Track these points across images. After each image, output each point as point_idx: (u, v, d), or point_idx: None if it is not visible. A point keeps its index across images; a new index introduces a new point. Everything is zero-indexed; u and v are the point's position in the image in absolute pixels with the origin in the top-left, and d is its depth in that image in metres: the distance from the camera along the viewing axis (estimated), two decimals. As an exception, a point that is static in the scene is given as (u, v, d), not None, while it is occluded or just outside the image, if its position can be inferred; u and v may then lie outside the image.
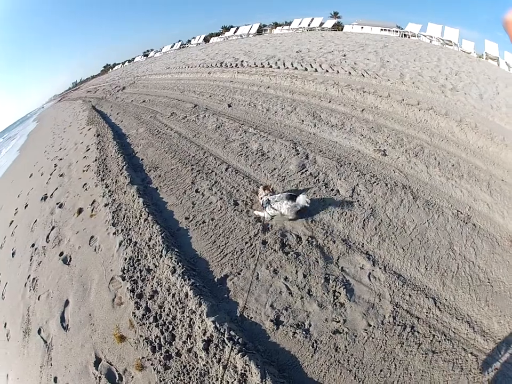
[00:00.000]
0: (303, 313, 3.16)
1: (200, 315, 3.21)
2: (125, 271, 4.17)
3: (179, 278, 3.65)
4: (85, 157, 9.11)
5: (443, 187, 4.89)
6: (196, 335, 3.11)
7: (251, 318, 3.24)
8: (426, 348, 2.74)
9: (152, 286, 3.83)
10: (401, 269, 3.51)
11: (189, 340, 3.12)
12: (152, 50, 49.91)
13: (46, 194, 8.18)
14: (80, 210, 6.26)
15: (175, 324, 3.32)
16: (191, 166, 6.45)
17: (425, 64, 11.44)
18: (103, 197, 6.19)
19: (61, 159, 10.65)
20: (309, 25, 26.07)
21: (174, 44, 41.38)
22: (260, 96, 10.07)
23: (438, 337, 2.81)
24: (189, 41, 41.87)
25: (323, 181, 5.17)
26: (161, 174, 6.51)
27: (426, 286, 3.30)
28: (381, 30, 22.77)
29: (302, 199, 4.07)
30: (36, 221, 7.14)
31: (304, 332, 2.98)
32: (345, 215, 4.41)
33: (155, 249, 4.29)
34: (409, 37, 20.79)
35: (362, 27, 24.09)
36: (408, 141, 6.25)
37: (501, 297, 3.19)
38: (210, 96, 11.48)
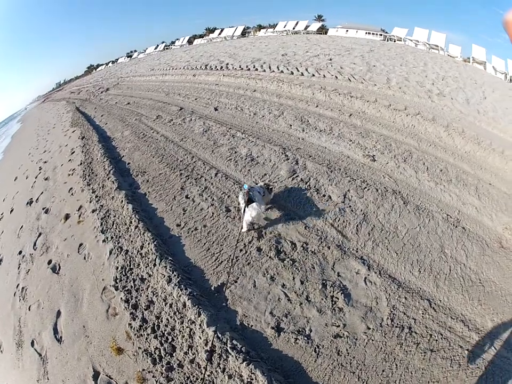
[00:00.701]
0: (303, 319, 3.17)
1: (200, 325, 3.15)
2: (117, 281, 4.06)
3: (175, 288, 3.57)
4: (70, 160, 8.89)
5: (432, 192, 5.00)
6: (197, 346, 3.06)
7: (252, 326, 3.21)
8: (425, 347, 2.82)
9: (147, 296, 3.74)
10: (395, 273, 3.59)
11: (190, 350, 3.06)
12: (135, 51, 49.49)
13: (32, 198, 7.97)
14: (67, 216, 6.10)
15: (175, 335, 3.25)
16: (180, 171, 6.37)
17: (411, 69, 11.65)
18: (90, 202, 6.04)
19: (45, 162, 10.41)
20: (294, 28, 26.23)
21: (158, 45, 41.14)
22: (247, 100, 10.06)
23: (435, 336, 2.90)
24: (173, 42, 41.50)
25: (314, 187, 5.18)
26: (149, 179, 6.40)
27: (420, 288, 3.39)
28: (366, 33, 23.05)
29: (249, 215, 4.06)
30: (22, 226, 6.95)
31: (305, 338, 3.00)
32: (338, 220, 4.44)
33: (148, 258, 4.19)
34: (394, 41, 21.05)
35: (347, 30, 24.34)
36: (397, 146, 6.34)
37: (492, 297, 3.32)
38: (196, 99, 11.41)
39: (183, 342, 3.14)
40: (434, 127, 6.92)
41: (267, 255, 3.98)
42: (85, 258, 4.82)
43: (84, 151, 8.84)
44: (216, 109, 9.86)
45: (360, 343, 2.90)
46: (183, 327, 3.26)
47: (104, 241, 4.87)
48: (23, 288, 5.04)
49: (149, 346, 3.22)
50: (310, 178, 5.43)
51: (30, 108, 57.79)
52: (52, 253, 5.38)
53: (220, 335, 2.98)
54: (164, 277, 3.78)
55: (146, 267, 4.09)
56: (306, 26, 26.00)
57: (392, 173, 5.50)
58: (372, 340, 2.91)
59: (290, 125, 7.74)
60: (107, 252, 4.63)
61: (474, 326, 3.01)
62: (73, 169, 8.00)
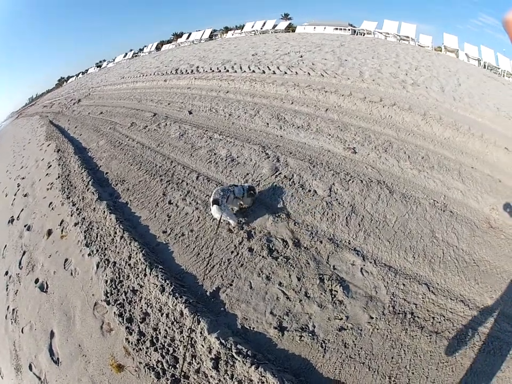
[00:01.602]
0: (304, 315, 3.14)
1: (201, 333, 3.06)
2: (108, 295, 3.91)
3: (170, 297, 3.46)
4: (47, 174, 8.60)
5: (416, 179, 5.06)
6: (201, 354, 2.97)
7: (253, 328, 3.15)
8: (429, 330, 2.86)
9: (141, 308, 3.61)
10: (390, 261, 3.62)
11: (194, 360, 2.97)
12: (105, 61, 48.75)
13: (13, 216, 7.70)
14: (49, 232, 5.87)
15: (176, 346, 3.15)
16: (160, 176, 6.23)
17: (383, 61, 11.80)
18: (71, 216, 5.83)
19: (23, 178, 10.08)
20: (262, 28, 26.27)
21: (126, 53, 40.74)
22: (221, 101, 9.95)
23: (437, 319, 2.95)
24: (141, 49, 41.01)
25: (299, 183, 5.15)
26: (129, 187, 6.24)
27: (417, 274, 3.44)
28: (335, 29, 23.24)
29: (213, 212, 4.07)
30: (5, 246, 6.70)
31: (310, 334, 2.97)
32: (327, 214, 4.43)
33: (137, 268, 4.06)
34: (364, 35, 21.28)
35: (314, 27, 24.51)
36: (376, 137, 6.38)
37: (488, 275, 3.41)
38: (169, 103, 11.24)
39: (185, 352, 3.05)
40: (412, 116, 6.97)
41: (260, 255, 3.92)
42: (71, 274, 4.64)
43: (61, 163, 8.55)
44: (190, 112, 9.73)
45: (366, 333, 2.91)
46: (183, 336, 3.17)
47: (89, 254, 4.69)
48: (13, 310, 4.83)
49: (150, 360, 3.12)
50: (293, 174, 5.39)
51: (4, 125, 55.88)
52: (38, 271, 5.17)
53: (223, 341, 2.91)
54: (157, 286, 3.66)
55: (136, 278, 3.96)
56: (274, 26, 26.11)
57: (375, 163, 5.53)
58: (377, 329, 2.92)
59: (267, 123, 7.69)
60: (94, 266, 4.47)
61: (474, 304, 3.08)
62: (52, 183, 7.74)
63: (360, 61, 11.68)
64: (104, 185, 6.61)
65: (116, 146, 8.55)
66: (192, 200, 5.27)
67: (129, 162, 7.29)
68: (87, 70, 51.04)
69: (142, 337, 3.33)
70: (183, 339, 3.14)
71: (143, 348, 3.23)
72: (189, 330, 3.14)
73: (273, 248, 3.99)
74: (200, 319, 3.14)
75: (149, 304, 3.61)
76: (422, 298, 3.16)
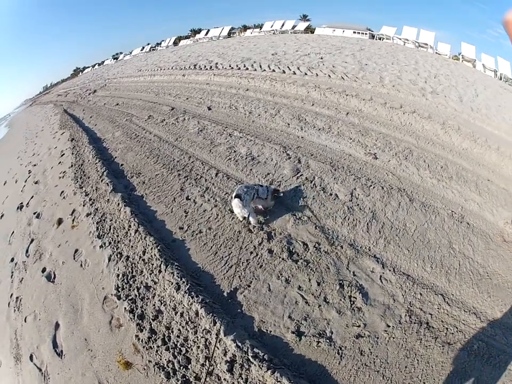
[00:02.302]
0: (323, 321, 3.07)
1: (216, 334, 2.94)
2: (119, 289, 3.78)
3: (186, 296, 3.33)
4: (60, 162, 8.54)
5: (435, 189, 4.97)
6: (215, 356, 2.86)
7: (270, 331, 3.07)
8: (442, 340, 2.84)
9: (154, 305, 3.48)
10: (409, 270, 3.57)
11: (207, 362, 2.85)
12: (121, 53, 48.76)
13: (22, 203, 7.61)
14: (59, 221, 5.76)
15: (189, 346, 3.02)
16: (177, 171, 6.12)
17: (403, 67, 11.64)
18: (83, 206, 5.73)
19: (35, 165, 10.04)
20: (281, 28, 26.10)
21: (144, 47, 40.73)
22: (240, 99, 9.85)
23: (451, 329, 2.93)
24: (158, 44, 41.04)
25: (320, 185, 5.04)
26: (145, 181, 6.13)
27: (434, 284, 3.39)
28: (354, 32, 23.03)
29: (234, 205, 4.04)
30: (13, 232, 6.60)
31: (327, 340, 2.91)
32: (348, 219, 4.34)
33: (152, 264, 3.93)
34: (382, 40, 21.10)
35: (333, 30, 24.30)
36: (396, 144, 6.26)
37: (500, 289, 3.38)
38: (187, 98, 11.15)
39: (198, 353, 2.94)
40: (431, 124, 6.86)
41: (279, 257, 3.81)
42: (81, 265, 4.52)
43: (74, 153, 8.48)
44: (209, 108, 9.62)
45: (382, 341, 2.87)
46: (197, 337, 3.05)
47: (101, 247, 4.58)
48: (17, 298, 4.71)
49: (161, 359, 3.00)
50: (314, 177, 5.27)
51: (18, 112, 56.46)
52: (45, 260, 5.06)
53: (239, 344, 2.82)
54: (172, 284, 3.53)
55: (150, 274, 3.82)
56: (294, 26, 25.93)
57: (395, 170, 5.43)
58: (393, 338, 2.89)
59: (288, 124, 7.57)
60: (105, 259, 4.34)
61: (485, 317, 3.06)
62: (64, 171, 7.66)
63: (380, 66, 11.56)
64: (119, 177, 6.51)
65: (132, 138, 8.47)
66: (211, 197, 5.14)
67: (146, 155, 7.19)
68: (103, 62, 51.27)
69: (153, 335, 3.20)
70: (197, 340, 3.02)
71: (153, 346, 3.11)
72: (204, 331, 3.01)
73: (293, 251, 3.88)
74: (217, 320, 3.03)
75: (162, 301, 3.48)
76: (438, 308, 3.13)
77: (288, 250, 3.87)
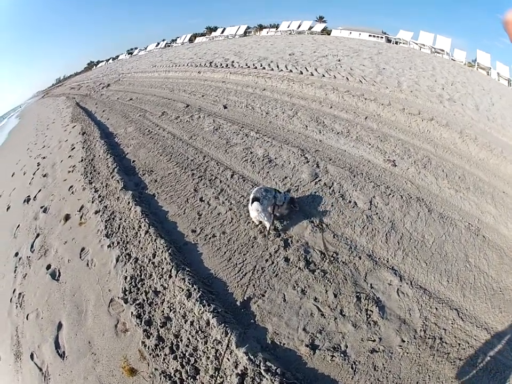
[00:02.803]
0: (338, 335, 2.96)
1: (228, 345, 2.80)
2: (126, 293, 3.63)
3: (197, 304, 3.17)
4: (70, 156, 8.42)
5: (453, 199, 4.85)
6: (225, 368, 2.73)
7: (284, 344, 2.94)
8: (454, 356, 2.78)
9: (162, 311, 3.32)
10: (426, 283, 3.46)
11: (217, 374, 2.70)
12: (136, 48, 48.90)
13: (29, 196, 7.50)
14: (67, 217, 5.63)
15: (198, 356, 2.88)
16: (191, 170, 5.96)
17: (421, 73, 11.52)
18: (92, 202, 5.60)
19: (44, 158, 9.93)
20: (298, 28, 25.91)
21: (159, 42, 40.77)
22: (257, 99, 9.70)
23: (463, 345, 2.86)
24: (174, 40, 41.10)
25: (339, 192, 4.87)
26: (157, 179, 5.98)
27: (449, 298, 3.30)
28: (369, 36, 22.79)
29: (253, 208, 3.94)
30: (18, 226, 6.49)
31: (342, 355, 2.81)
32: (367, 229, 4.19)
33: (162, 268, 3.77)
34: (397, 44, 20.88)
35: (350, 32, 24.06)
36: (415, 151, 6.12)
37: (510, 304, 3.32)
38: (202, 96, 11.02)
39: (208, 364, 2.79)
40: (449, 133, 6.74)
41: (296, 266, 3.65)
42: (88, 265, 4.38)
43: (85, 147, 8.37)
44: (225, 107, 9.45)
45: (396, 356, 2.79)
46: (207, 347, 2.90)
47: (109, 246, 4.43)
48: (19, 294, 4.60)
49: (168, 368, 2.87)
50: (333, 182, 5.11)
51: (29, 103, 56.97)
52: (50, 257, 4.93)
53: (251, 357, 2.69)
54: (182, 290, 3.37)
55: (160, 278, 3.66)
56: (310, 27, 25.78)
57: (414, 179, 5.29)
58: (407, 353, 2.80)
59: (306, 126, 7.40)
60: (113, 259, 4.20)
61: (495, 333, 3.01)
62: (74, 166, 7.55)
63: (397, 70, 11.45)
64: (130, 174, 6.37)
65: (145, 135, 8.33)
66: (226, 199, 4.98)
67: (159, 153, 7.05)
68: (117, 56, 51.44)
69: (161, 342, 3.06)
70: (207, 350, 2.87)
71: (160, 354, 2.98)
72: (215, 341, 2.86)
73: (310, 260, 3.73)
74: (228, 331, 2.88)
75: (171, 308, 3.32)
76: (452, 324, 3.05)
77: (305, 259, 3.72)
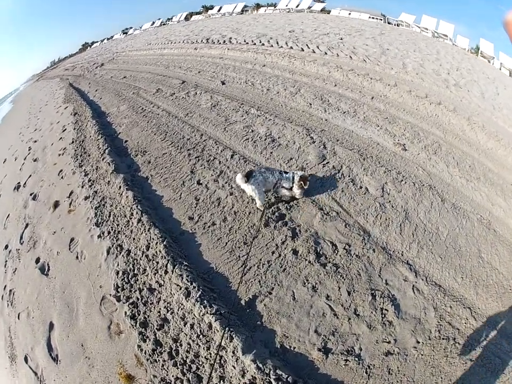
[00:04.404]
0: (352, 336, 2.74)
1: (233, 352, 2.53)
2: (119, 289, 3.30)
3: (197, 304, 2.85)
4: (61, 138, 7.97)
5: (464, 189, 4.60)
6: (231, 377, 2.50)
7: (294, 348, 2.70)
8: (466, 357, 2.66)
9: (159, 312, 3.00)
10: (440, 280, 3.25)
11: (222, 382, 2.47)
12: (131, 28, 47.49)
13: (19, 182, 7.12)
14: (56, 204, 5.25)
15: (200, 363, 2.61)
16: (187, 150, 5.56)
17: (425, 56, 11.14)
18: (82, 187, 5.22)
19: (35, 141, 9.50)
20: (297, 6, 25.08)
21: (154, 22, 39.69)
22: (257, 75, 9.26)
23: (474, 345, 2.74)
24: (169, 19, 39.91)
25: (349, 176, 4.54)
26: (151, 160, 5.58)
27: (463, 296, 3.13)
28: (370, 17, 22.07)
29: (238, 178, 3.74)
30: (8, 215, 6.12)
31: (356, 358, 2.62)
32: (380, 218, 3.89)
33: (156, 262, 3.43)
34: (398, 26, 20.34)
35: (349, 13, 23.28)
36: (425, 136, 5.82)
37: None
38: (199, 72, 10.53)
39: (211, 372, 2.50)
40: (458, 119, 6.44)
41: (305, 259, 3.35)
42: (77, 257, 4.03)
43: (76, 128, 7.93)
44: (223, 83, 8.99)
45: (410, 358, 2.63)
46: (210, 354, 2.61)
47: (99, 236, 4.08)
48: (10, 290, 4.29)
49: (167, 375, 2.62)
50: (342, 166, 4.76)
51: (24, 87, 55.63)
52: (39, 249, 4.58)
53: (260, 365, 2.44)
54: (180, 288, 3.05)
55: (155, 274, 3.32)
56: (310, 6, 24.91)
57: (425, 165, 4.99)
58: (422, 355, 2.65)
59: (310, 104, 6.99)
60: (104, 251, 3.85)
61: (505, 333, 2.86)
62: (64, 148, 7.13)
63: (402, 52, 11.01)
64: (122, 155, 5.97)
65: (138, 113, 7.89)
66: (226, 182, 4.61)
67: (153, 131, 6.63)
68: (112, 36, 50.05)
69: (158, 347, 2.78)
70: (211, 357, 2.58)
71: (159, 360, 2.70)
72: (218, 347, 2.54)
73: (321, 253, 3.42)
74: (234, 336, 2.60)
75: (169, 308, 3.00)
76: (465, 323, 2.89)
77: (315, 251, 3.42)
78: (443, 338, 2.75)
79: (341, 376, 2.52)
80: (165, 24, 37.32)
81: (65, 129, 8.37)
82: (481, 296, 3.13)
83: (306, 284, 3.12)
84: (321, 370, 2.56)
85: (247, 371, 2.45)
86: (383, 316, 2.87)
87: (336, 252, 3.43)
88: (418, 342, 2.71)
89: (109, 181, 5.07)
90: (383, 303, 2.95)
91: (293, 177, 3.86)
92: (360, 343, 2.69)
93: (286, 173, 3.90)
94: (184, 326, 2.82)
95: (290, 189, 3.89)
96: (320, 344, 2.69)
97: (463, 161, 5.19)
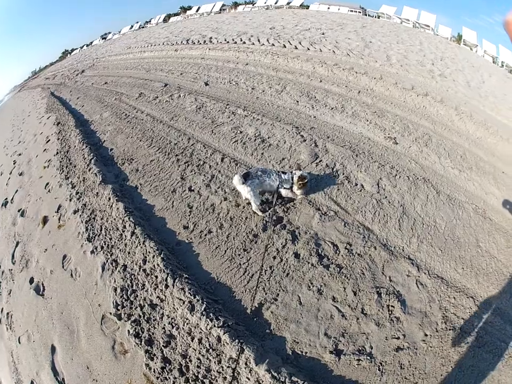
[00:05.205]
0: (361, 336, 2.75)
1: (246, 363, 2.47)
2: (118, 307, 3.15)
3: (203, 318, 2.74)
4: (45, 149, 7.68)
5: (458, 180, 4.65)
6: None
7: (306, 353, 2.67)
8: (473, 344, 2.72)
9: (163, 328, 2.88)
10: (442, 272, 3.29)
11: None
12: (110, 33, 46.76)
13: (7, 198, 6.80)
14: (45, 219, 5.03)
15: (213, 378, 2.51)
16: (176, 156, 5.42)
17: (409, 47, 11.31)
18: (70, 200, 5.01)
19: (20, 154, 9.14)
20: (276, 3, 24.99)
21: (133, 25, 39.20)
22: (240, 74, 9.15)
23: (481, 333, 2.79)
24: (148, 22, 39.47)
25: (343, 174, 4.51)
26: (138, 168, 5.41)
27: (465, 286, 3.18)
28: (349, 10, 22.10)
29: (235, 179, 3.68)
30: (-3, 234, 5.86)
31: (368, 357, 2.62)
32: (379, 215, 3.88)
33: (155, 276, 3.29)
34: (379, 17, 20.44)
35: (328, 7, 23.26)
36: (414, 128, 5.86)
37: None
38: (181, 74, 10.36)
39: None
40: (446, 109, 6.51)
41: (308, 262, 3.30)
42: (72, 275, 3.84)
43: (60, 138, 7.64)
44: (207, 84, 8.86)
45: (420, 352, 2.67)
46: (222, 367, 2.53)
47: (92, 252, 3.90)
48: (8, 313, 4.06)
49: (181, 393, 2.48)
50: (335, 163, 4.72)
51: (6, 99, 54.15)
52: (32, 269, 4.37)
53: (275, 374, 2.39)
54: (183, 303, 2.93)
55: (155, 289, 3.19)
56: (288, 2, 24.84)
57: (417, 158, 5.03)
58: (431, 347, 2.69)
59: (297, 101, 6.95)
60: (98, 267, 3.68)
61: (508, 318, 2.93)
62: (49, 160, 6.86)
63: (385, 44, 11.14)
64: (108, 164, 5.78)
65: (122, 119, 7.68)
66: (219, 187, 4.49)
67: (138, 138, 6.44)
68: (91, 42, 49.24)
69: (167, 364, 2.66)
70: (223, 370, 2.51)
71: (169, 378, 2.59)
72: (230, 360, 2.48)
73: (322, 254, 3.38)
74: (245, 348, 2.52)
75: (173, 324, 2.88)
76: (469, 312, 2.95)
77: (317, 253, 3.37)
78: (450, 329, 2.78)
79: (355, 376, 2.53)
80: (143, 27, 36.91)
81: (49, 140, 8.09)
82: (483, 285, 3.17)
83: (311, 287, 3.08)
84: (335, 372, 2.56)
85: (262, 381, 2.40)
86: (390, 312, 2.89)
87: (338, 252, 3.40)
88: (426, 335, 2.74)
89: (97, 193, 4.89)
90: (389, 300, 2.96)
91: (292, 178, 3.81)
92: (370, 342, 2.70)
93: (284, 173, 3.85)
94: (192, 341, 2.72)
95: (291, 189, 3.84)
96: (331, 346, 2.68)
97: (454, 152, 5.23)
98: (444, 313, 2.90)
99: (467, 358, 2.62)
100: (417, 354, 2.64)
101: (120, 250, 3.78)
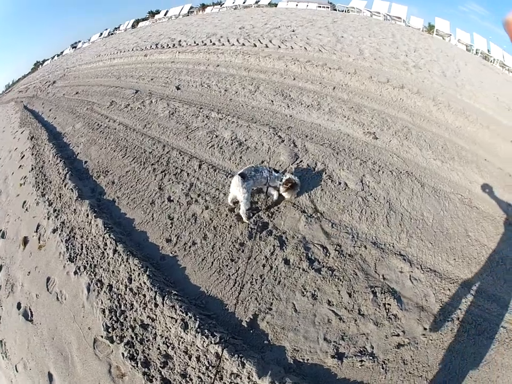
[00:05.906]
0: (361, 337, 2.77)
1: (248, 377, 2.42)
2: (109, 330, 3.00)
3: (198, 335, 2.65)
4: (21, 166, 7.31)
5: (441, 171, 4.72)
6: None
7: (308, 360, 2.65)
8: (473, 333, 2.80)
9: (158, 349, 2.77)
10: (435, 265, 3.34)
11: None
12: (80, 41, 45.73)
13: (-14, 221, 6.45)
14: (25, 240, 4.77)
15: None
16: (151, 165, 5.27)
17: (381, 40, 11.40)
18: (48, 219, 4.78)
19: (-4, 173, 8.71)
20: (244, 2, 24.88)
21: (102, 32, 38.53)
22: (212, 76, 9.02)
23: (479, 321, 2.87)
24: (117, 28, 38.80)
25: (325, 173, 4.47)
26: (114, 180, 5.22)
27: (458, 277, 3.24)
28: (318, 6, 22.15)
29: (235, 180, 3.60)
30: (-21, 258, 5.53)
31: (370, 357, 2.64)
32: (365, 213, 3.87)
33: (143, 295, 3.16)
34: (348, 12, 20.58)
35: (297, 4, 23.24)
36: (393, 121, 5.91)
37: None
38: (152, 79, 10.15)
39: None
40: (423, 100, 6.64)
41: (299, 267, 3.26)
42: (57, 298, 3.65)
43: (34, 153, 7.32)
44: (178, 88, 8.70)
45: (421, 346, 2.71)
46: (225, 383, 2.44)
47: (76, 273, 3.72)
48: (1, 341, 3.82)
49: (186, 414, 2.41)
50: (316, 163, 4.68)
51: None
52: (18, 293, 4.13)
53: None
54: (176, 321, 2.82)
55: (144, 309, 3.06)
56: (257, 1, 24.77)
57: (399, 151, 5.06)
58: (431, 340, 2.74)
59: (272, 101, 6.88)
60: (84, 289, 3.51)
61: (503, 304, 3.03)
62: (25, 177, 6.55)
63: (357, 38, 11.22)
64: (84, 178, 5.56)
65: (94, 129, 7.43)
66: (199, 196, 4.37)
67: (112, 148, 6.23)
68: (62, 52, 48.04)
69: (168, 385, 2.55)
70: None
71: None
72: (232, 375, 2.42)
73: (313, 258, 3.34)
74: (245, 362, 2.47)
75: (168, 344, 2.77)
76: (465, 302, 3.02)
77: (307, 257, 3.33)
78: (448, 320, 2.85)
79: (360, 377, 2.54)
80: (112, 33, 36.21)
81: (24, 156, 7.73)
82: (476, 274, 3.26)
83: (305, 292, 3.05)
84: (339, 375, 2.56)
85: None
86: (387, 310, 2.91)
87: (328, 254, 3.37)
88: (425, 329, 2.79)
89: (75, 209, 4.69)
90: (385, 298, 2.98)
91: (281, 179, 3.78)
92: (370, 342, 2.72)
93: (277, 171, 3.81)
94: (190, 359, 2.63)
95: (278, 189, 3.81)
96: (332, 350, 2.67)
97: (434, 143, 5.30)
98: (440, 306, 2.95)
99: (468, 346, 2.68)
100: (418, 348, 2.67)
101: (103, 270, 3.61)
